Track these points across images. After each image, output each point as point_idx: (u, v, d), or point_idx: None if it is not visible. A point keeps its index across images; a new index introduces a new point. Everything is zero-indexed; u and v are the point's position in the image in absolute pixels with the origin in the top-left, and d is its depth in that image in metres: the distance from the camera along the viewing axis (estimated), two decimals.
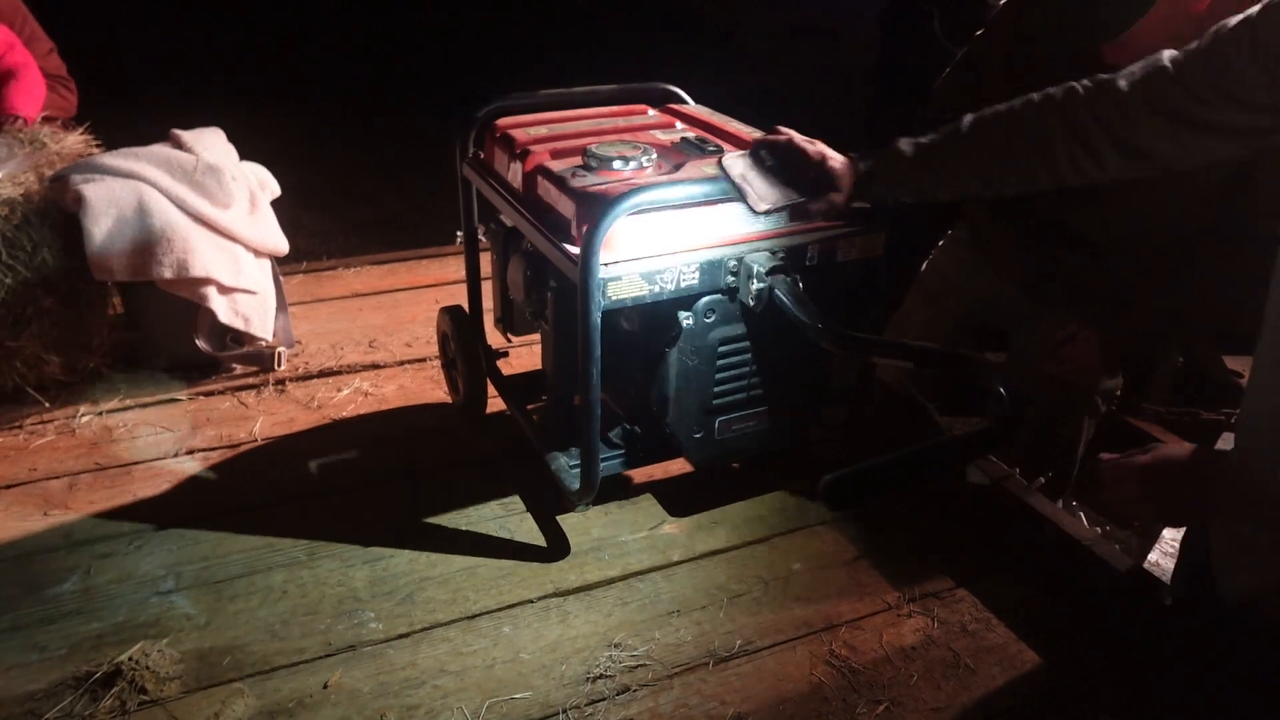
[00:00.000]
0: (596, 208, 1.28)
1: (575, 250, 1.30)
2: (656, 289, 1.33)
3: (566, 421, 1.66)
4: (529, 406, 1.79)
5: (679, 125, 1.67)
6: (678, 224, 1.35)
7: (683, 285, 1.35)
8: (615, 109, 1.76)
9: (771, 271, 1.33)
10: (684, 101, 1.84)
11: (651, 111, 1.77)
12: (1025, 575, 1.49)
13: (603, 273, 1.27)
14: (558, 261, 1.37)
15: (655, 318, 1.41)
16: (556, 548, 1.54)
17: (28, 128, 2.17)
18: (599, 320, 1.30)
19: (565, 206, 1.38)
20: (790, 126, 1.38)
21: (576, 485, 1.46)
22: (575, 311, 1.30)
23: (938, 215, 1.94)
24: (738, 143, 1.54)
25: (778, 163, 1.33)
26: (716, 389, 1.44)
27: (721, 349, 1.41)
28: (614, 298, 1.30)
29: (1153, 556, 1.99)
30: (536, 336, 1.85)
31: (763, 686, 1.27)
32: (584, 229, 1.28)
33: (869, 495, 1.05)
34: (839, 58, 6.37)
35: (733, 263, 1.36)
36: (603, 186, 1.36)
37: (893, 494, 1.63)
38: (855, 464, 1.02)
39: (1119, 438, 2.82)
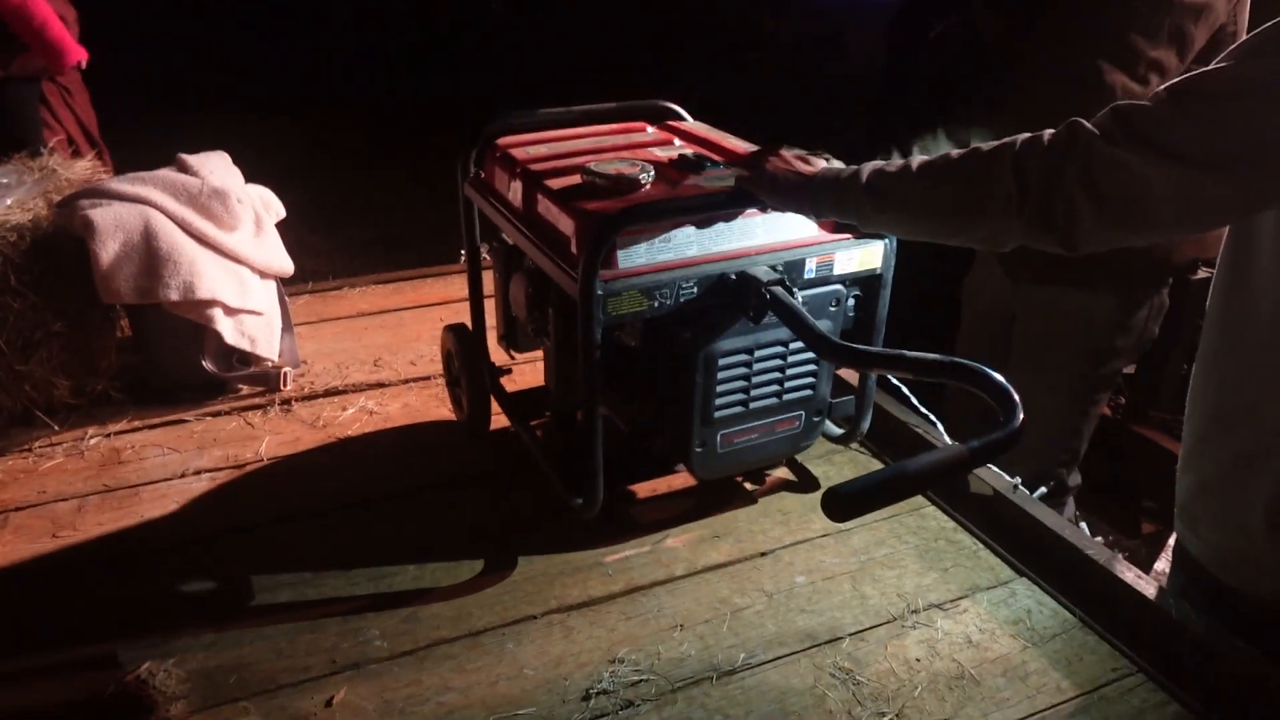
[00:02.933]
0: (595, 225, 1.29)
1: (575, 268, 1.31)
2: (656, 304, 1.34)
3: (569, 437, 1.67)
4: (533, 423, 1.79)
5: (677, 142, 1.69)
6: (676, 239, 1.36)
7: (682, 299, 1.36)
8: (614, 126, 1.78)
9: (770, 284, 1.34)
10: (682, 118, 1.85)
11: (650, 129, 1.79)
12: (1030, 586, 1.48)
13: (602, 289, 1.28)
14: (558, 279, 1.38)
15: (656, 332, 1.42)
16: (560, 563, 1.54)
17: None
18: (599, 336, 1.31)
19: (564, 224, 1.40)
20: (797, 137, 1.38)
21: (580, 500, 1.47)
22: (576, 328, 1.31)
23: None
24: (736, 158, 1.55)
25: None
26: (718, 401, 1.44)
27: (722, 362, 1.41)
28: (614, 313, 1.32)
29: (1159, 566, 1.98)
30: (539, 353, 1.87)
31: (766, 700, 1.27)
32: (583, 246, 1.30)
33: (873, 506, 1.04)
34: (845, 68, 6.40)
35: (732, 276, 1.37)
36: (601, 204, 1.37)
37: (897, 504, 1.63)
38: (859, 475, 1.02)
39: (1124, 445, 2.81)
